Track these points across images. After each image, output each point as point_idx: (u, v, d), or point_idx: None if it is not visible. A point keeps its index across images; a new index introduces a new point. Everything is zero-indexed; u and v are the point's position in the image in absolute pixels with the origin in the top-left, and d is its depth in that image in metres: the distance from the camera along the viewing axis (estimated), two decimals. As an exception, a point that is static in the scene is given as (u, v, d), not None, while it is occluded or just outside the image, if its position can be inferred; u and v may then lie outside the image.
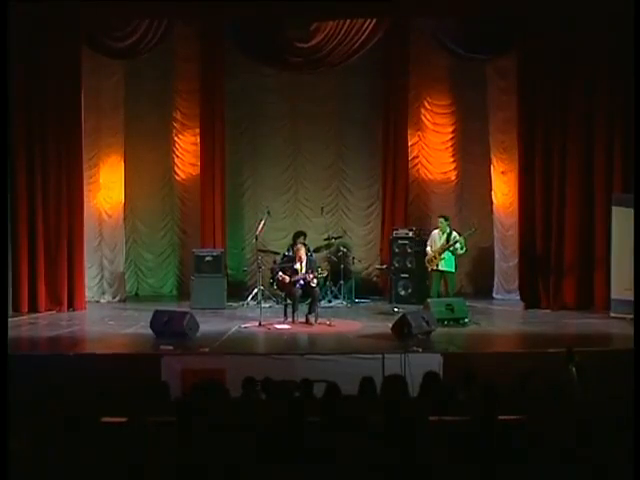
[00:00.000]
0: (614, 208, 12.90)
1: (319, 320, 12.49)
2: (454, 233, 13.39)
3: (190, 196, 15.41)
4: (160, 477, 5.38)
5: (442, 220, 13.54)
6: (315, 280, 12.48)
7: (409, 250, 14.52)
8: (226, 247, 14.90)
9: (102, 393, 7.40)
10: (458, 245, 13.30)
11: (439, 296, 13.35)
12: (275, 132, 15.64)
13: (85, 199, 14.20)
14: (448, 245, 13.32)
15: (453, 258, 13.44)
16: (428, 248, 13.58)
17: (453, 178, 15.60)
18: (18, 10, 12.55)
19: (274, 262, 14.26)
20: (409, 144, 15.24)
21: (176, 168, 15.55)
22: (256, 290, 14.03)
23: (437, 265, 13.41)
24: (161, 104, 15.39)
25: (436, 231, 13.62)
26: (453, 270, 13.53)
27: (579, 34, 13.35)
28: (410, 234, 14.60)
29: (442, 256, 13.36)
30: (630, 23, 12.45)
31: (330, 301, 14.33)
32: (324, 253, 14.86)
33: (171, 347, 10.65)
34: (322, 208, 15.15)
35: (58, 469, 5.38)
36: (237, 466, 5.32)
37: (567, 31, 13.36)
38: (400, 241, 14.62)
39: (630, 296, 12.26)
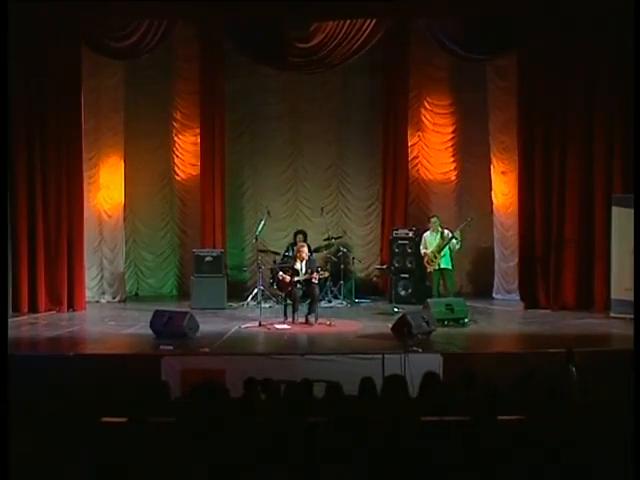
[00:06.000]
0: (614, 208, 12.90)
1: (319, 320, 12.49)
2: (446, 231, 13.43)
3: (190, 196, 15.41)
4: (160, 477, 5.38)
5: (435, 220, 13.61)
6: (317, 278, 12.48)
7: (409, 250, 14.52)
8: (226, 247, 14.89)
9: (102, 393, 7.39)
10: (454, 240, 13.32)
11: (440, 295, 13.37)
12: (275, 132, 15.63)
13: (85, 199, 14.19)
14: (445, 242, 13.35)
15: (449, 255, 13.45)
16: (423, 250, 13.62)
17: (453, 178, 15.60)
18: (18, 10, 12.54)
19: (274, 262, 14.28)
20: (409, 144, 15.25)
21: (176, 168, 15.55)
22: (256, 290, 14.03)
23: (438, 265, 13.43)
24: (161, 104, 15.38)
25: (428, 232, 13.66)
26: (450, 267, 13.55)
27: (579, 34, 13.34)
28: (410, 234, 14.60)
29: (442, 254, 13.39)
30: (630, 23, 12.45)
31: (330, 301, 14.33)
32: (324, 253, 14.87)
33: (171, 347, 10.64)
34: (322, 208, 15.15)
35: (58, 469, 5.38)
36: (237, 466, 5.32)
37: (567, 31, 13.35)
38: (400, 241, 14.63)
39: (630, 296, 12.26)
